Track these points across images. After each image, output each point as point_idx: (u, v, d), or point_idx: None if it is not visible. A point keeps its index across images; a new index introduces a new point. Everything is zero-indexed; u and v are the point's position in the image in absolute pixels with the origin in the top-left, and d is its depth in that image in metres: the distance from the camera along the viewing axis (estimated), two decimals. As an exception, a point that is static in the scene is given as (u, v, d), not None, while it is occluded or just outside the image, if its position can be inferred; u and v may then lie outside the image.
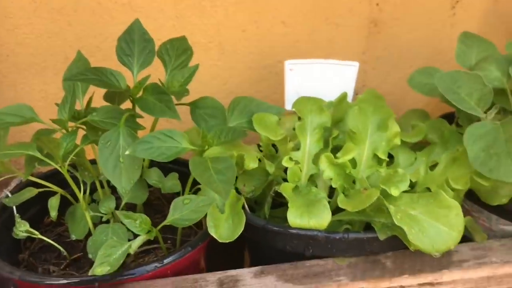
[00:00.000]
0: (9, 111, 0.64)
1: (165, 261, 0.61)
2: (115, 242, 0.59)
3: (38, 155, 0.63)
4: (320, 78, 0.80)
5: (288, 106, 0.81)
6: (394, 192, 0.61)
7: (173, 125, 0.69)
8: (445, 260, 0.65)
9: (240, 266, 0.65)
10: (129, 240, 0.62)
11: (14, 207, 0.70)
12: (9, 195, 0.72)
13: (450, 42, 0.92)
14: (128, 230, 0.65)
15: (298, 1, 0.89)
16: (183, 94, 0.64)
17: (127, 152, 0.58)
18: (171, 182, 0.70)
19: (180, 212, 0.60)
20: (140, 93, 0.64)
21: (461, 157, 0.66)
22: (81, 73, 0.61)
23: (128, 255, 0.66)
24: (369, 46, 0.95)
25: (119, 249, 0.58)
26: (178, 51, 0.68)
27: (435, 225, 0.59)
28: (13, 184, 0.77)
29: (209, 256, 0.72)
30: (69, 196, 0.71)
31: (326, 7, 0.90)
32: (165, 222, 0.60)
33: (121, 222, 0.67)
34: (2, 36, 0.83)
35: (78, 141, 0.66)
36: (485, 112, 0.68)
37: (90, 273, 0.58)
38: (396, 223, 0.58)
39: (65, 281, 0.59)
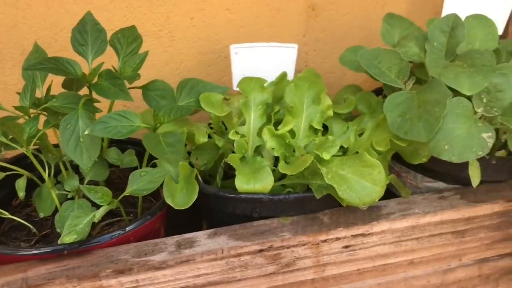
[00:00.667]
0: (-27, 101, 0.69)
1: (128, 228, 0.66)
2: (80, 213, 0.64)
3: (4, 139, 0.67)
4: (263, 60, 0.85)
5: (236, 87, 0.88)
6: (326, 156, 0.68)
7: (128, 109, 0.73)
8: (375, 214, 0.73)
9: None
10: (92, 213, 0.68)
11: (-18, 192, 0.75)
12: (-23, 180, 0.76)
13: (381, 22, 1.01)
14: (92, 205, 0.70)
15: (241, -12, 0.93)
16: (135, 78, 0.69)
17: (86, 132, 0.63)
18: (129, 158, 0.75)
19: (138, 183, 0.65)
20: (96, 79, 0.68)
21: (383, 123, 0.73)
22: (40, 63, 0.65)
23: (94, 227, 0.72)
24: (308, 29, 1.00)
25: (85, 219, 0.63)
26: (129, 39, 0.72)
27: (360, 181, 0.67)
28: (-22, 171, 0.81)
29: (170, 227, 0.78)
30: (35, 178, 0.75)
31: (267, -6, 0.95)
32: (125, 193, 0.66)
33: (85, 198, 0.73)
34: (-40, 31, 0.84)
35: (40, 126, 0.70)
36: (404, 83, 0.75)
37: (59, 242, 0.63)
38: (327, 182, 0.65)
39: (36, 251, 0.63)
